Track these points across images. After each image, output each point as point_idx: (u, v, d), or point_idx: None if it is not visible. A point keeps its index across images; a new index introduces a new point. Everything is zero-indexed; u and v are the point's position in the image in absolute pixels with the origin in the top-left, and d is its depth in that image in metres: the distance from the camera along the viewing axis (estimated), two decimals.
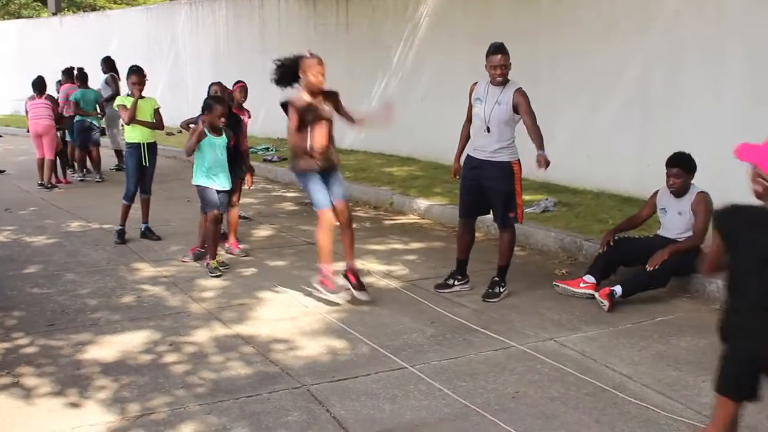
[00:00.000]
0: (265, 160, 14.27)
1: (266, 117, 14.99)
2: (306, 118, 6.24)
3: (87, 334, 5.70)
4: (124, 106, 8.54)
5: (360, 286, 6.47)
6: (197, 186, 7.45)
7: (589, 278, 6.54)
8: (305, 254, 8.07)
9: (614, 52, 9.98)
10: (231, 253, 7.98)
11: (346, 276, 6.50)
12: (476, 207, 6.65)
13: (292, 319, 6.04)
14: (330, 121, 6.41)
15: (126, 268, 7.57)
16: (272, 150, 15.58)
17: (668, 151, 6.55)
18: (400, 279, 7.13)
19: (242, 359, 5.23)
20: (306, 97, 6.30)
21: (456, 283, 6.73)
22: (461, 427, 4.25)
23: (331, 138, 6.44)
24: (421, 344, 5.50)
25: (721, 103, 8.78)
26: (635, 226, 7.04)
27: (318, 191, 6.32)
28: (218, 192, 7.44)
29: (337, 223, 6.44)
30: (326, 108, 6.38)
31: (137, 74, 8.66)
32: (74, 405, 4.54)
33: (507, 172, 6.38)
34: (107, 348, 5.43)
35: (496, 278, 6.61)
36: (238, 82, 8.67)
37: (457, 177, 6.75)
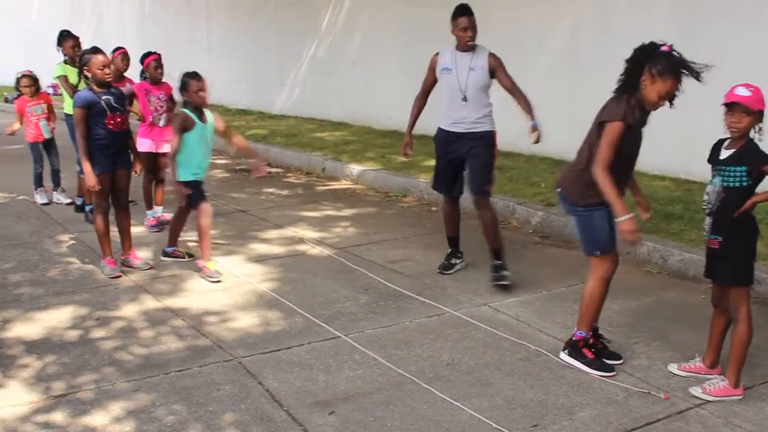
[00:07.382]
0: None
1: None
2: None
3: (9, 311, 5.50)
4: (66, 77, 8.07)
5: None
6: (185, 182, 6.25)
7: None
8: (236, 222, 7.93)
9: (545, 11, 9.96)
10: (130, 266, 6.45)
11: None
12: (456, 183, 6.26)
13: (224, 291, 5.93)
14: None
15: (51, 240, 7.34)
16: None
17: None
18: (332, 246, 7.05)
19: (173, 333, 5.10)
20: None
21: (457, 261, 6.40)
22: (396, 396, 4.21)
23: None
24: (355, 312, 5.45)
25: None
26: None
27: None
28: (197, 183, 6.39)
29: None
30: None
31: (74, 39, 8.29)
32: None
33: (488, 142, 6.10)
34: (31, 325, 5.25)
35: (497, 262, 6.06)
36: (118, 48, 8.05)
37: (408, 151, 6.38)
